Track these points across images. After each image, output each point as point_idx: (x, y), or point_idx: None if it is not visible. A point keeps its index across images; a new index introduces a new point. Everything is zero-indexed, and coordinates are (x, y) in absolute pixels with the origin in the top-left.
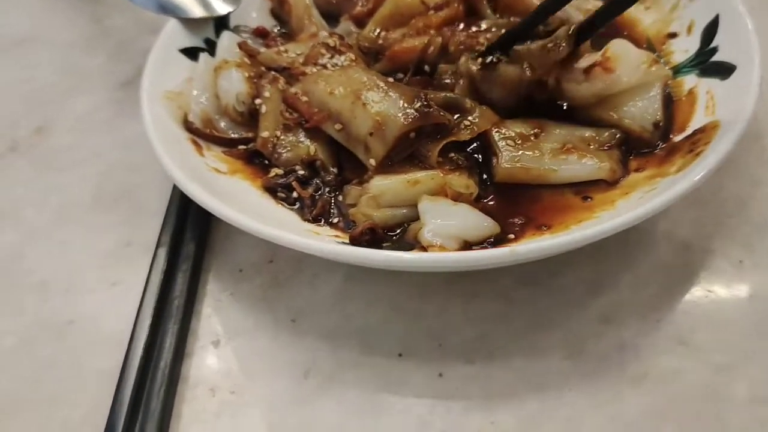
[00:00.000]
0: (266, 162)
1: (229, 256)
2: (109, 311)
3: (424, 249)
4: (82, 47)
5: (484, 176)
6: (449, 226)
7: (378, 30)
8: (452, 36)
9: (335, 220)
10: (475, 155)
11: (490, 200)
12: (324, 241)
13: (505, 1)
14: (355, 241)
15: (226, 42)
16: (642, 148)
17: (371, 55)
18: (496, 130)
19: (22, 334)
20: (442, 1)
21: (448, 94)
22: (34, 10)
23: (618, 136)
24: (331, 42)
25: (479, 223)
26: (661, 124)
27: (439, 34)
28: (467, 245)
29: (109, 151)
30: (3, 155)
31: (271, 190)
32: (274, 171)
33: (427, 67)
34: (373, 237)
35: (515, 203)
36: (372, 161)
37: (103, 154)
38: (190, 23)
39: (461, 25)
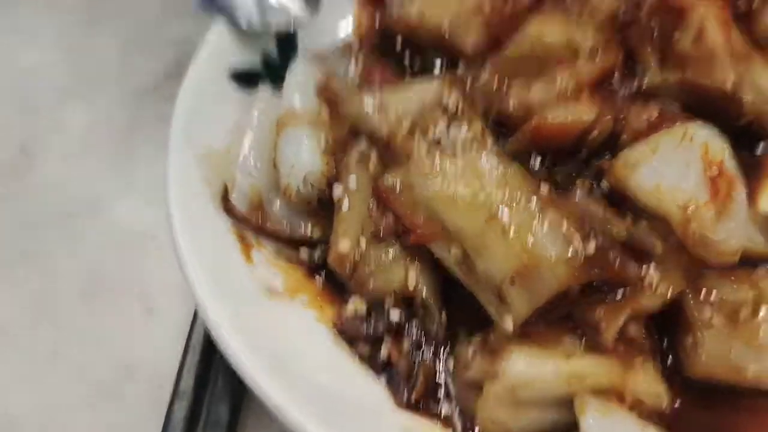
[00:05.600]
0: (338, 282)
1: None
2: None
3: None
4: (89, 21)
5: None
6: None
7: (501, 79)
8: (627, 116)
9: (444, 409)
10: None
11: (674, 403)
12: None
13: (682, 51)
14: None
15: (301, 76)
16: None
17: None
18: (693, 292)
19: None
20: (594, 46)
21: (634, 230)
22: None
23: None
24: (451, 100)
25: None
26: None
27: (607, 113)
28: None
29: (112, 205)
30: None
31: (348, 337)
32: (355, 302)
33: (584, 154)
34: None
35: (713, 414)
36: (509, 321)
37: (103, 212)
38: (241, 35)
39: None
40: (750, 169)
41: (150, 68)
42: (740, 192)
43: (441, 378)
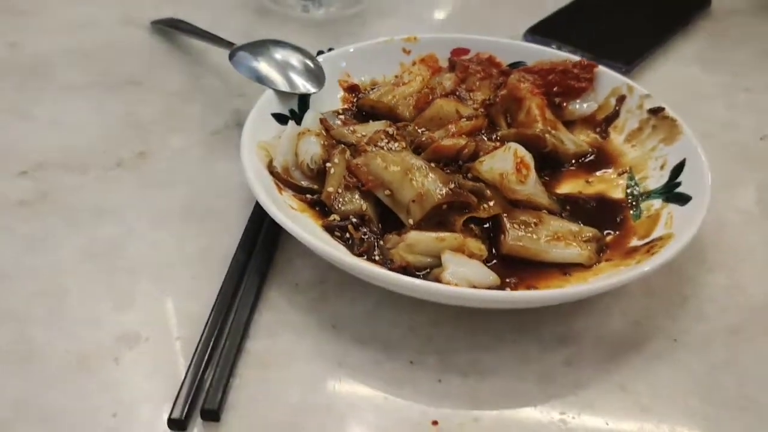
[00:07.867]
0: (325, 210)
1: (289, 274)
2: (189, 296)
3: None
4: (181, 97)
5: (493, 248)
6: (464, 272)
7: (419, 128)
8: (482, 144)
9: (376, 258)
10: (488, 231)
11: (494, 263)
12: (370, 266)
13: (520, 120)
14: None
15: (310, 119)
16: None
17: (412, 148)
18: (506, 215)
19: (114, 304)
20: (472, 114)
21: (474, 183)
22: (145, 60)
23: (595, 235)
24: (390, 130)
25: (486, 275)
26: None
27: (473, 141)
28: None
29: (199, 180)
30: (112, 168)
31: (329, 229)
32: (333, 216)
33: (460, 162)
34: (405, 273)
35: (512, 269)
36: (411, 221)
37: (194, 182)
38: (280, 95)
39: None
40: (551, 178)
41: (218, 122)
42: (532, 172)
43: (377, 248)
